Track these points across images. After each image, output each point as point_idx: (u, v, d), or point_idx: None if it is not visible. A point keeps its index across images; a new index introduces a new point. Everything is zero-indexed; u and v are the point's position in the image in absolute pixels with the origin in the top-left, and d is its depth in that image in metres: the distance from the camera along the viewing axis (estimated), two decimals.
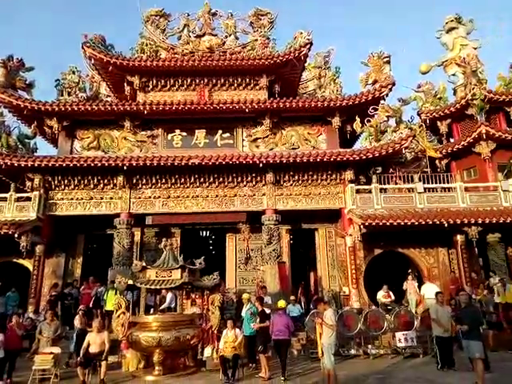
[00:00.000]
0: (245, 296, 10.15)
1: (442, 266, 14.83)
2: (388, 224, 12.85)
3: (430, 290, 10.90)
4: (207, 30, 18.57)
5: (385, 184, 14.50)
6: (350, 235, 13.88)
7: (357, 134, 15.33)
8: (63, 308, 12.08)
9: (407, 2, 68.81)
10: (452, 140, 17.38)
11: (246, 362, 8.80)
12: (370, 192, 14.14)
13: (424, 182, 14.66)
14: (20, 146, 13.94)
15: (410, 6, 67.41)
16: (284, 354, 8.03)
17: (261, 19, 18.40)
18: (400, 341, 9.95)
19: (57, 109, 14.22)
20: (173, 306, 11.03)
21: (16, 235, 12.42)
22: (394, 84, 14.43)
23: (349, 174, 14.24)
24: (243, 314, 9.50)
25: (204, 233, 17.14)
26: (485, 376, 6.49)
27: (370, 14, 69.63)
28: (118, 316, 8.94)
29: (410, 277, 12.59)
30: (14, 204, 13.52)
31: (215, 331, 9.15)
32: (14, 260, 14.63)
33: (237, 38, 18.31)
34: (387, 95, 14.57)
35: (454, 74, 17.19)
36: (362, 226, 12.99)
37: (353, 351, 10.01)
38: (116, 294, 10.93)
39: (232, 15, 18.68)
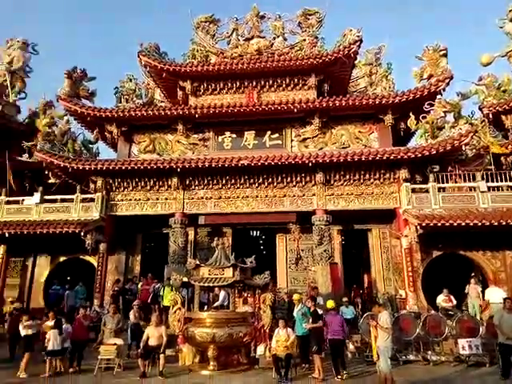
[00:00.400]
0: (296, 296, 10.11)
1: (509, 270, 13.74)
2: (447, 225, 12.16)
3: (495, 294, 10.20)
4: (255, 33, 18.78)
5: (443, 183, 13.76)
6: (406, 236, 13.33)
7: (411, 132, 14.69)
8: (124, 302, 12.77)
9: None
10: None
11: (298, 362, 8.76)
12: (426, 191, 13.49)
13: (488, 181, 13.72)
14: (84, 151, 14.96)
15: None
16: (341, 353, 7.95)
17: (309, 19, 18.30)
18: (464, 348, 9.35)
19: (116, 115, 15.15)
20: (225, 304, 11.24)
21: (82, 234, 13.39)
22: (451, 77, 13.66)
23: (403, 173, 13.70)
24: (295, 314, 9.47)
25: (254, 232, 17.31)
26: None
27: (420, 6, 66.52)
28: (175, 312, 9.32)
29: (472, 280, 11.86)
30: (79, 205, 14.59)
31: (267, 330, 9.20)
32: (81, 256, 15.79)
33: (285, 39, 18.35)
34: (444, 90, 13.82)
35: None
36: (418, 227, 12.42)
37: (411, 357, 9.58)
38: (172, 290, 11.43)
39: (280, 17, 18.76)
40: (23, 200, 15.19)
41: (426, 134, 13.65)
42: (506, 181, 13.73)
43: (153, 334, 8.36)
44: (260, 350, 9.15)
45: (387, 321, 6.52)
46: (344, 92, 16.86)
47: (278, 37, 18.39)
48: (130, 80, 16.81)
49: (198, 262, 9.32)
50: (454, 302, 11.99)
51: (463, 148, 13.17)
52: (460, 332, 9.75)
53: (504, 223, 11.93)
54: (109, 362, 8.74)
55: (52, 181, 17.80)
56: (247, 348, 9.42)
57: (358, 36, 15.22)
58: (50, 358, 8.17)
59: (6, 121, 17.10)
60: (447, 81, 13.70)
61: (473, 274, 12.67)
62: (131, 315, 10.46)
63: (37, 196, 14.72)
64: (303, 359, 8.87)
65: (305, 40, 17.47)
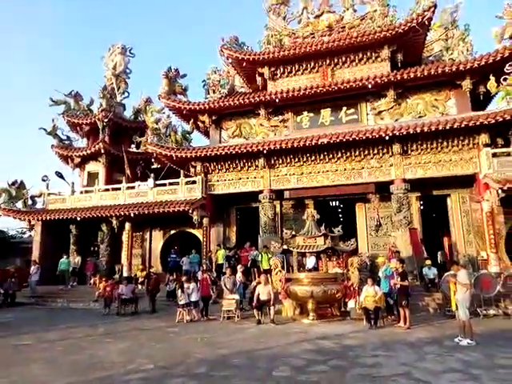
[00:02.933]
0: (380, 259, 11.57)
1: None
2: None
3: None
4: (325, 9, 19.24)
5: None
6: (487, 200, 13.74)
7: (492, 95, 14.59)
8: (229, 266, 15.28)
9: None
10: None
11: (384, 316, 10.32)
12: (508, 155, 13.62)
13: None
14: (184, 141, 17.45)
15: None
16: None
17: None
18: None
19: (207, 107, 17.29)
20: (315, 266, 13.09)
21: (190, 211, 16.05)
22: None
23: (483, 138, 13.94)
24: (380, 274, 10.93)
25: (334, 203, 18.70)
26: None
27: None
28: (276, 273, 11.41)
29: None
30: (184, 187, 17.29)
31: (356, 288, 10.86)
32: (186, 229, 18.78)
33: (355, 11, 18.56)
34: None
35: None
36: (499, 191, 12.80)
37: (492, 311, 10.58)
38: (268, 256, 13.60)
39: None
40: (139, 185, 18.33)
41: (508, 97, 13.56)
42: None
43: (263, 291, 10.50)
44: (351, 304, 10.88)
45: (465, 277, 7.68)
46: (418, 60, 16.97)
47: (348, 9, 18.63)
48: (215, 72, 18.72)
49: (293, 233, 11.18)
50: None
51: None
52: None
53: None
54: (229, 313, 11.16)
55: (155, 166, 20.99)
56: (339, 303, 11.23)
57: (432, 2, 15.14)
58: (190, 307, 10.81)
59: (118, 119, 20.31)
60: None
61: None
62: (238, 277, 12.83)
63: (150, 181, 17.70)
64: (388, 311, 10.42)
65: (376, 11, 17.59)
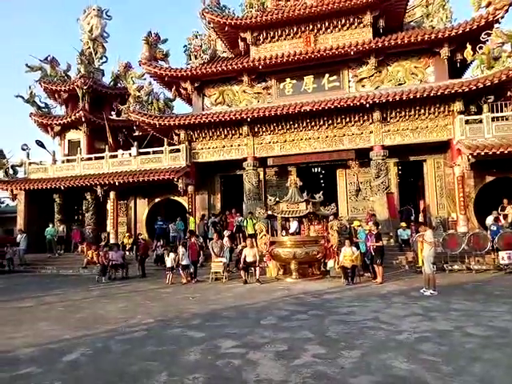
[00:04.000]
0: (355, 223, 12.33)
1: None
2: (498, 153, 13.20)
3: None
4: None
5: (498, 112, 14.40)
6: (459, 165, 14.54)
7: (468, 63, 15.05)
8: (216, 232, 15.84)
9: None
10: None
11: (361, 273, 11.17)
12: (480, 122, 14.32)
13: None
14: (166, 109, 17.39)
15: None
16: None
17: None
18: (503, 258, 11.15)
19: (189, 73, 17.18)
20: (297, 230, 13.79)
21: (175, 179, 16.34)
22: (510, 4, 13.57)
23: (458, 106, 14.54)
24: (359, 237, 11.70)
25: (316, 169, 19.27)
26: None
27: None
28: (261, 237, 12.03)
29: (506, 201, 13.15)
30: (168, 155, 17.45)
31: (335, 249, 11.62)
32: (171, 197, 19.13)
33: None
34: (502, 17, 13.83)
35: None
36: (470, 156, 13.58)
37: (456, 266, 11.61)
38: (253, 221, 14.19)
39: None
40: (122, 154, 18.37)
41: (482, 65, 14.06)
42: None
43: (249, 253, 11.14)
44: (330, 264, 11.68)
45: (430, 236, 8.45)
46: (400, 26, 17.13)
47: None
48: (196, 37, 18.41)
49: (277, 199, 11.72)
50: (503, 221, 13.42)
51: None
52: (502, 246, 11.45)
53: None
54: (217, 275, 11.82)
55: (137, 134, 20.92)
56: (319, 263, 12.01)
57: None
58: (183, 270, 11.42)
59: (97, 86, 19.90)
60: (506, 8, 13.67)
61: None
62: (226, 242, 13.43)
63: (134, 150, 17.76)
64: (364, 269, 11.28)
65: None
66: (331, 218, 12.55)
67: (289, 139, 16.71)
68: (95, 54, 20.58)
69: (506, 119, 14.26)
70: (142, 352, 4.97)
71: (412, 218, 15.64)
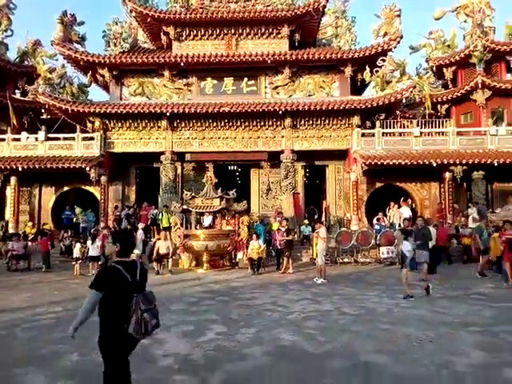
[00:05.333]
0: (255, 218, 13.63)
1: (432, 198, 17.67)
2: (385, 163, 15.52)
3: (405, 212, 14.08)
4: None
5: (387, 128, 16.83)
6: (354, 172, 16.66)
7: (366, 83, 17.24)
8: (129, 224, 15.82)
9: None
10: (456, 86, 18.95)
11: (265, 264, 12.36)
12: (373, 135, 16.57)
13: (423, 126, 16.92)
14: (80, 94, 16.69)
15: None
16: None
17: None
18: (383, 253, 13.29)
19: (108, 61, 16.74)
20: (211, 224, 14.56)
21: (87, 168, 15.84)
22: (401, 37, 15.97)
23: (356, 120, 16.60)
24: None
25: (232, 167, 20.18)
26: (427, 275, 9.67)
27: None
28: (176, 230, 12.53)
29: (392, 204, 15.62)
30: (81, 143, 16.78)
31: (244, 242, 12.65)
32: (82, 187, 18.38)
33: None
34: (395, 47, 16.20)
35: (465, 21, 18.20)
36: (363, 165, 15.68)
37: (346, 259, 13.48)
38: (168, 215, 14.56)
39: None
40: (28, 138, 17.12)
41: (377, 87, 16.32)
42: (437, 126, 16.97)
43: (162, 245, 11.56)
44: (239, 256, 12.70)
45: (324, 232, 9.90)
46: (313, 41, 18.84)
47: None
48: (116, 23, 17.89)
49: (193, 194, 12.32)
50: (386, 222, 15.82)
51: (403, 100, 16.04)
52: (383, 242, 13.60)
53: (427, 163, 15.39)
54: None
55: (45, 117, 19.61)
56: (230, 255, 12.95)
57: None
58: (92, 262, 11.36)
59: (1, 61, 18.10)
60: (398, 40, 16.05)
61: (392, 202, 16.26)
62: (140, 234, 13.60)
63: (41, 134, 16.67)
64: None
65: None
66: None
67: (207, 136, 17.31)
68: None
69: (393, 135, 16.73)
70: (50, 337, 5.24)
71: (315, 216, 17.50)
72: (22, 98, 18.92)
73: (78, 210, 16.57)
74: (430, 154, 15.91)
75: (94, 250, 11.45)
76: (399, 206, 15.90)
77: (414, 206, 17.79)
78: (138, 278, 3.01)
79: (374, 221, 15.65)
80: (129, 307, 2.85)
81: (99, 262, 11.76)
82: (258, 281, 9.99)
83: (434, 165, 15.45)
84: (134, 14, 17.40)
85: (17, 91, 20.08)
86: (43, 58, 18.78)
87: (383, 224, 15.41)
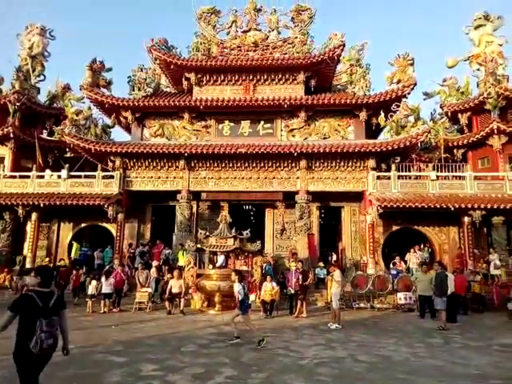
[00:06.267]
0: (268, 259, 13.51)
1: (452, 243, 17.25)
2: (401, 206, 15.39)
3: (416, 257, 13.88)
4: (252, 26, 20.89)
5: (403, 171, 16.86)
6: (370, 214, 16.52)
7: (381, 127, 17.53)
8: (143, 262, 15.84)
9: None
10: (471, 131, 19.05)
11: (280, 308, 12.05)
12: (388, 178, 16.58)
13: (439, 170, 16.88)
14: (103, 135, 17.47)
15: (436, 4, 65.54)
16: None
17: (301, 14, 20.41)
18: (400, 299, 12.82)
19: (131, 104, 17.59)
20: (224, 264, 14.46)
21: (105, 206, 16.21)
22: (415, 84, 16.39)
23: (371, 162, 16.71)
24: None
25: (247, 207, 20.33)
26: (445, 322, 9.27)
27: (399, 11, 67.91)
28: (189, 269, 12.48)
29: (412, 250, 15.29)
30: (101, 181, 17.31)
31: (257, 283, 12.45)
32: (99, 223, 18.70)
33: (279, 33, 20.50)
34: (409, 93, 16.58)
35: (478, 69, 18.62)
36: (379, 207, 15.59)
37: (362, 305, 13.02)
38: (184, 253, 14.57)
39: (275, 11, 20.79)
40: (51, 175, 17.79)
41: (392, 131, 16.55)
42: (454, 171, 16.91)
43: (175, 284, 11.49)
44: (252, 297, 12.42)
45: (338, 276, 9.70)
46: (329, 87, 19.48)
47: (273, 30, 20.53)
48: (141, 70, 19.01)
49: (208, 233, 12.37)
50: (404, 266, 15.42)
51: (419, 144, 16.16)
52: (400, 287, 13.18)
53: (445, 206, 15.19)
54: (141, 305, 11.90)
55: (68, 155, 20.41)
56: None
57: (341, 41, 17.65)
58: (105, 299, 11.32)
59: (31, 103, 19.27)
60: (411, 87, 16.45)
61: (412, 247, 15.99)
62: (153, 272, 13.59)
63: (64, 172, 17.32)
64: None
65: (296, 37, 19.69)
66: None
67: (223, 176, 17.63)
68: (33, 72, 20.08)
69: (409, 178, 16.71)
70: (64, 375, 5.20)
71: (332, 258, 17.23)
72: (49, 138, 19.88)
73: (74, 245, 16.91)
74: (447, 198, 15.74)
75: (107, 286, 11.45)
76: (416, 251, 15.62)
77: (432, 250, 17.39)
78: (52, 305, 3.69)
79: (391, 265, 15.31)
80: (35, 328, 3.50)
81: (111, 300, 11.74)
82: (270, 324, 9.73)
83: (452, 209, 15.24)
84: (158, 61, 18.48)
85: (44, 131, 21.16)
86: (71, 101, 19.89)
87: (400, 269, 15.06)
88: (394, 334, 8.72)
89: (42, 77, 20.62)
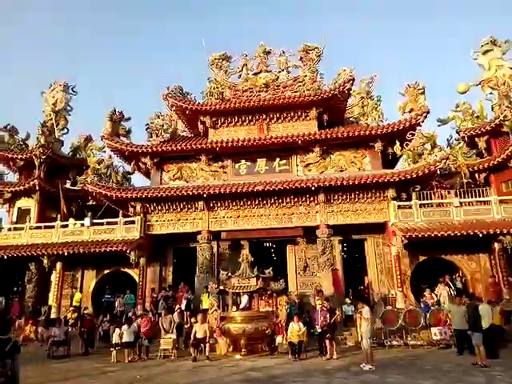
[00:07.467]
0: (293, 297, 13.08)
1: (483, 271, 16.44)
2: (426, 235, 14.93)
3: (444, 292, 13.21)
4: (263, 68, 21.62)
5: (424, 199, 16.55)
6: (394, 245, 16.07)
7: (398, 156, 17.43)
8: (167, 307, 15.65)
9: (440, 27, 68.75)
10: (491, 154, 18.73)
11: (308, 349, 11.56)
12: (410, 207, 16.24)
13: (462, 196, 16.47)
14: (124, 181, 17.96)
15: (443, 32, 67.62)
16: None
17: (309, 53, 21.02)
18: (435, 334, 12.13)
19: (150, 150, 18.16)
20: (247, 305, 14.13)
21: (128, 251, 16.35)
22: (428, 112, 16.41)
23: (391, 192, 16.47)
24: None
25: (267, 244, 20.14)
26: (485, 359, 8.65)
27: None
28: (212, 312, 12.24)
29: (441, 280, 14.68)
30: (123, 226, 17.59)
31: (283, 324, 12.06)
32: (121, 269, 18.78)
33: (288, 72, 21.10)
34: (423, 121, 16.57)
35: (491, 93, 18.60)
36: (403, 238, 15.16)
37: (395, 342, 12.35)
38: (208, 296, 14.37)
39: (284, 52, 21.50)
40: (75, 224, 18.21)
41: (409, 159, 16.41)
42: (477, 195, 16.47)
43: (199, 329, 11.25)
44: (278, 339, 12.00)
45: (367, 313, 9.30)
46: (341, 120, 19.70)
47: (283, 70, 21.15)
48: (158, 117, 19.78)
49: (229, 274, 12.23)
50: (436, 298, 14.71)
51: (438, 171, 15.90)
52: (434, 322, 12.52)
53: (472, 233, 14.66)
54: (166, 352, 11.64)
55: (90, 203, 20.95)
56: (268, 338, 12.27)
57: (350, 75, 18.04)
58: (127, 348, 11.14)
59: (56, 156, 20.19)
60: (424, 115, 16.47)
61: (441, 279, 15.33)
62: (175, 317, 13.37)
63: (87, 220, 17.73)
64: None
65: (306, 76, 20.25)
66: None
67: (242, 215, 17.66)
68: (57, 126, 21.19)
69: (431, 206, 16.33)
70: None
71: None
72: (72, 187, 20.56)
73: (76, 295, 17.23)
74: (473, 224, 15.23)
75: (129, 335, 11.27)
76: (447, 282, 14.96)
77: (464, 280, 16.61)
78: (8, 349, 4.41)
79: (421, 298, 14.65)
80: None
81: (135, 348, 11.54)
82: (299, 367, 9.31)
83: (481, 235, 14.68)
84: (173, 107, 19.23)
85: (68, 181, 21.94)
86: (93, 151, 20.71)
87: (430, 302, 14.39)
88: (432, 374, 8.18)
89: (65, 130, 21.70)
